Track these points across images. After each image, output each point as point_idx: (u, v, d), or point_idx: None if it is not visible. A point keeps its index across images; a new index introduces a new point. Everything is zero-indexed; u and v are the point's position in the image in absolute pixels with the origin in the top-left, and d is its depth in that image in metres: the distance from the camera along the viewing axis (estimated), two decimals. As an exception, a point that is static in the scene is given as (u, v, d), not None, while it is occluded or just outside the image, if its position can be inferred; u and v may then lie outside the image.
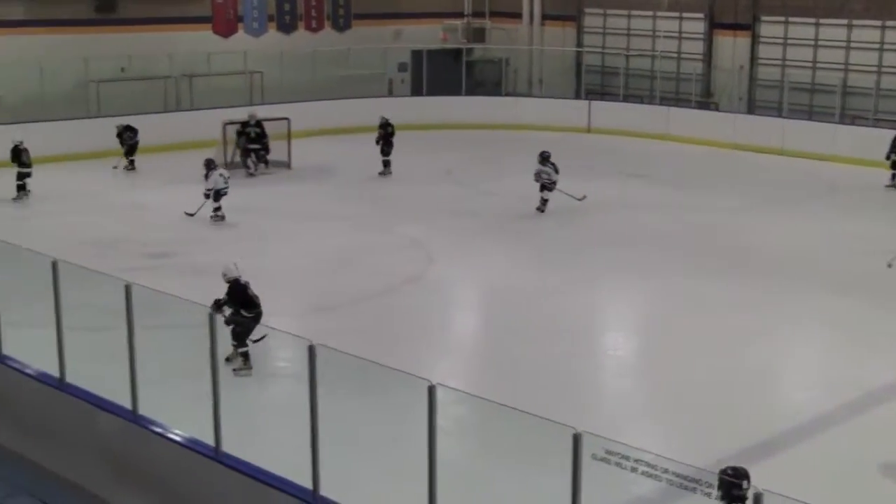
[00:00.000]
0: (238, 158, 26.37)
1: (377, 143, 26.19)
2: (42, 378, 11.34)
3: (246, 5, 31.54)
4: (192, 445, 9.77)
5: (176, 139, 27.98)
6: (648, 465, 7.01)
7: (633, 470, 7.03)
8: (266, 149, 26.38)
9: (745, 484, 7.39)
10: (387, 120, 26.26)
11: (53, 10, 29.15)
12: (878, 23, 29.55)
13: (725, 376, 13.74)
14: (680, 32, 33.99)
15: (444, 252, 19.53)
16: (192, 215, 21.32)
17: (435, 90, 33.77)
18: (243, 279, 13.24)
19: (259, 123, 26.27)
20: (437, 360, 14.40)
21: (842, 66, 30.31)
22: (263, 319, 13.02)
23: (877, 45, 29.71)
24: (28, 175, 22.76)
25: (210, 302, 12.34)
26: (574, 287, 17.66)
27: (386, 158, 26.18)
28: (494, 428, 10.31)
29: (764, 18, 32.17)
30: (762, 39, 32.31)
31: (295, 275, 18.19)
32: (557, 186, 21.92)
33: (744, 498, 7.32)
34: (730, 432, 11.80)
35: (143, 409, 10.29)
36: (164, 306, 11.16)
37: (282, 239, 20.35)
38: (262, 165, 26.30)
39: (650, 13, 34.42)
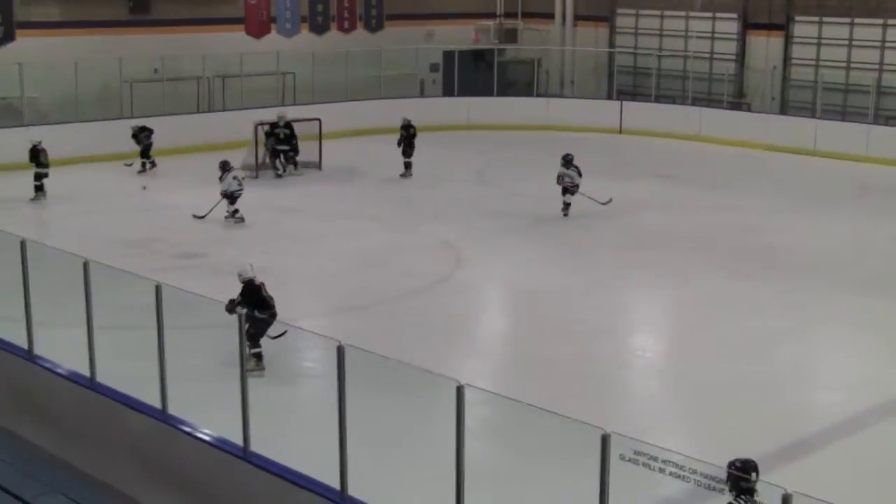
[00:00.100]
0: (268, 160, 26.40)
1: (399, 144, 26.03)
2: (73, 378, 11.42)
3: (279, 6, 31.58)
4: (221, 445, 9.81)
5: (208, 140, 28.04)
6: (677, 465, 6.98)
7: (661, 471, 6.99)
8: (295, 150, 26.29)
9: (752, 476, 7.36)
10: (409, 121, 26.10)
11: (88, 12, 29.34)
12: (914, 23, 29.36)
13: (755, 378, 13.66)
14: (713, 33, 33.82)
15: (473, 252, 19.51)
16: (201, 218, 21.25)
17: (466, 91, 33.75)
18: (258, 280, 13.24)
19: (288, 124, 26.20)
20: (465, 361, 14.39)
21: (876, 67, 30.09)
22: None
23: (912, 46, 29.52)
24: (45, 175, 22.79)
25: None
26: (602, 288, 17.62)
27: (407, 160, 25.98)
28: (522, 428, 10.28)
29: (798, 18, 31.98)
30: (796, 39, 32.12)
31: (323, 275, 18.21)
32: (580, 190, 21.76)
33: (752, 490, 7.29)
34: (759, 434, 11.70)
35: (173, 409, 10.36)
36: (193, 306, 11.20)
37: (310, 239, 20.37)
38: (290, 167, 26.23)
39: (683, 13, 34.28)
